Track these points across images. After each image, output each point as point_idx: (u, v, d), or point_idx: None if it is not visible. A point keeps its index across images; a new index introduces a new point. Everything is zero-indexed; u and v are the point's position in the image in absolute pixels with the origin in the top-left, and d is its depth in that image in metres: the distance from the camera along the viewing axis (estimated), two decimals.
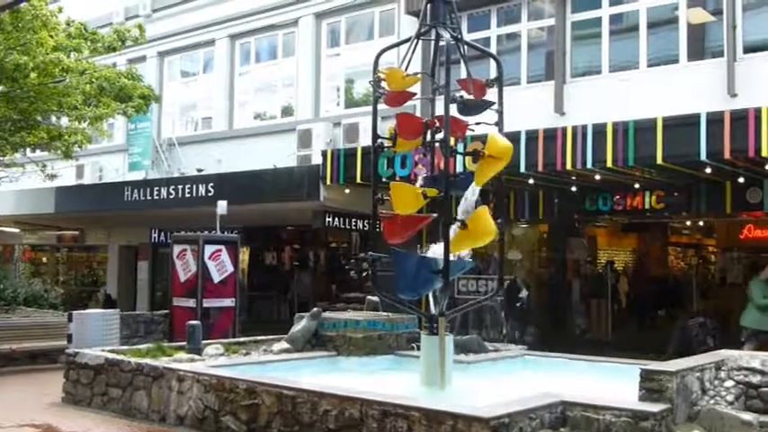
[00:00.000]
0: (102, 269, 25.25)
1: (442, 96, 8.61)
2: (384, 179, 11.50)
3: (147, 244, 22.27)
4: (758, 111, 10.99)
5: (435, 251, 8.53)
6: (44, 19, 14.30)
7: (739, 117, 11.13)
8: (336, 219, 16.50)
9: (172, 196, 17.51)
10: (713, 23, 13.89)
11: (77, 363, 9.71)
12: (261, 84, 20.64)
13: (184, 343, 10.20)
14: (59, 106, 15.00)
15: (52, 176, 18.17)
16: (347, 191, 15.51)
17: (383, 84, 9.02)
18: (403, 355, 10.36)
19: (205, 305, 13.02)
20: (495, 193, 9.70)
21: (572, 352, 11.40)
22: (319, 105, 18.83)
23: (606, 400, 6.91)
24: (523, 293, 15.51)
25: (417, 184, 8.99)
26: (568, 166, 12.56)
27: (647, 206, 14.18)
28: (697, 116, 11.40)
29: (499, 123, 8.96)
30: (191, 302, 13.08)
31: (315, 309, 11.20)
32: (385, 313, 11.14)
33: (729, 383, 7.81)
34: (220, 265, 13.41)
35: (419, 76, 9.39)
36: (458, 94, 8.89)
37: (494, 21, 16.15)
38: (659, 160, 11.73)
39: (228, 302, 13.41)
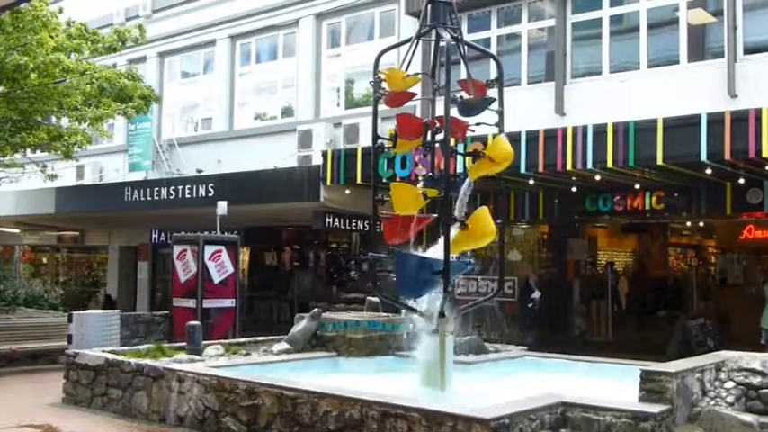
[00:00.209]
0: (102, 270, 25.26)
1: (443, 97, 8.61)
2: (384, 180, 11.51)
3: (148, 244, 22.29)
4: (758, 111, 10.99)
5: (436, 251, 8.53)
6: (44, 19, 14.31)
7: (740, 118, 11.13)
8: (336, 219, 16.49)
9: (172, 197, 17.51)
10: (714, 24, 13.89)
11: (77, 363, 9.71)
12: (261, 84, 20.65)
13: (184, 343, 10.20)
14: (60, 107, 15.00)
15: (52, 177, 18.18)
16: (347, 191, 15.51)
17: (383, 84, 9.02)
18: (403, 356, 10.35)
19: (205, 306, 13.03)
20: (495, 194, 9.70)
21: (572, 353, 11.40)
22: (319, 106, 18.84)
23: (606, 401, 6.91)
24: (536, 294, 15.52)
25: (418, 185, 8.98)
26: (569, 167, 12.56)
27: (647, 207, 14.19)
28: (697, 117, 11.40)
29: (499, 124, 8.96)
30: (191, 303, 13.08)
31: (315, 309, 11.18)
32: (385, 314, 11.13)
33: (730, 384, 7.80)
34: (220, 265, 13.41)
35: (419, 76, 9.38)
36: (458, 95, 8.88)
37: (494, 21, 16.15)
38: (659, 161, 11.73)
39: (228, 303, 13.41)
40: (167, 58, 22.29)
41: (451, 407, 6.68)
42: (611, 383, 8.42)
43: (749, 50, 13.20)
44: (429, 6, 9.12)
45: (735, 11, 13.18)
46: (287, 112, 19.72)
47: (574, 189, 14.38)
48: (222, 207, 14.36)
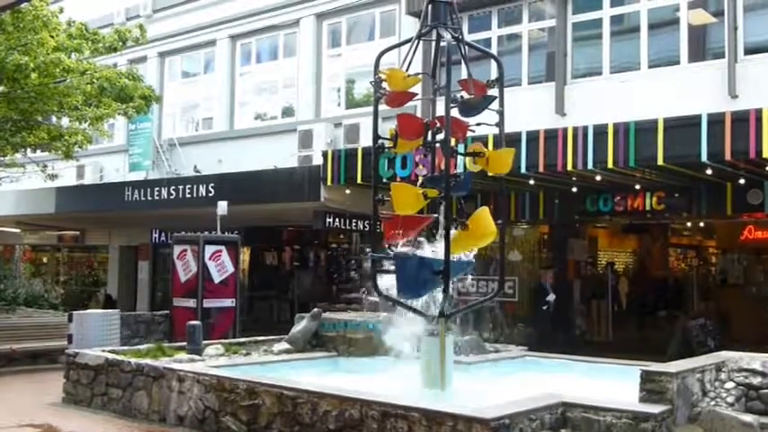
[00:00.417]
0: (102, 269, 25.26)
1: (443, 97, 8.61)
2: (385, 180, 11.49)
3: (148, 244, 22.27)
4: (759, 112, 10.97)
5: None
6: (45, 19, 14.32)
7: (740, 118, 11.12)
8: (337, 219, 16.49)
9: (172, 197, 17.51)
10: (714, 25, 13.89)
11: (78, 363, 9.71)
12: (262, 84, 20.65)
13: (185, 343, 10.21)
14: (60, 107, 15.00)
15: (53, 177, 18.19)
16: (348, 191, 15.50)
17: (384, 84, 9.01)
18: (403, 356, 10.34)
19: (205, 305, 13.04)
20: (496, 194, 9.69)
21: (572, 353, 11.40)
22: (320, 106, 18.83)
23: (606, 402, 6.91)
24: (551, 297, 15.49)
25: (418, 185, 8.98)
26: (569, 167, 12.55)
27: (647, 207, 14.18)
28: (698, 117, 11.39)
29: (500, 124, 8.96)
30: (191, 303, 13.09)
31: (315, 309, 11.19)
32: (385, 314, 11.12)
33: (730, 385, 7.80)
34: (221, 265, 13.41)
35: (420, 76, 9.38)
36: (458, 95, 8.88)
37: (495, 21, 16.14)
38: (660, 161, 11.72)
39: (229, 303, 13.42)
40: (168, 58, 22.29)
41: (452, 407, 6.68)
42: (611, 384, 8.42)
43: (750, 51, 13.19)
44: (430, 6, 9.12)
45: (735, 11, 13.17)
46: (287, 111, 19.72)
47: (574, 189, 14.37)
48: (222, 207, 14.36)
